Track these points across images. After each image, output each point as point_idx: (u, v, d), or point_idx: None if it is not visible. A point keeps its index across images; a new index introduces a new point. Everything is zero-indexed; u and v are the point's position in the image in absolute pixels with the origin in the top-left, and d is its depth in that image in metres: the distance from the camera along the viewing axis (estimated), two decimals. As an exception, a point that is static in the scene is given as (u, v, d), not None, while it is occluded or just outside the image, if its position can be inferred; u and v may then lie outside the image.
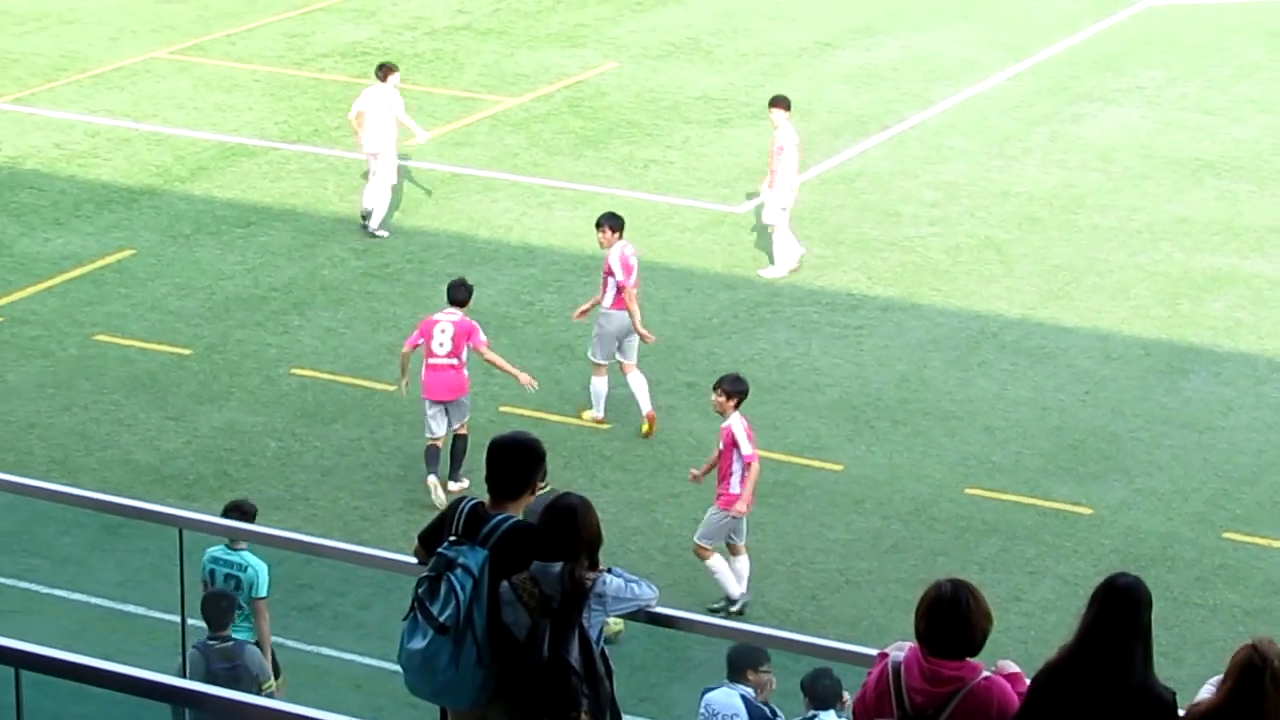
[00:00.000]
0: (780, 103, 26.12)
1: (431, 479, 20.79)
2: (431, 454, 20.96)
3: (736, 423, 18.92)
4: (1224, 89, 33.26)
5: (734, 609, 18.67)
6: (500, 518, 9.57)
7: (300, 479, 21.23)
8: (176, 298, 25.28)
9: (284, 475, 21.30)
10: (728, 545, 19.10)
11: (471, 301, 21.53)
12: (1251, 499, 21.17)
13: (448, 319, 21.09)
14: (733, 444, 18.89)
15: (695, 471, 19.41)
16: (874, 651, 9.26)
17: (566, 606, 9.38)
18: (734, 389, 19.14)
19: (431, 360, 20.90)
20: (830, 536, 20.32)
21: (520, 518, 9.65)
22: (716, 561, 18.98)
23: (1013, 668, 8.81)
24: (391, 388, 22.92)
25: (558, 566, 9.38)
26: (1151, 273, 26.33)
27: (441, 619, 9.43)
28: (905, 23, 36.44)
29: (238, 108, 31.57)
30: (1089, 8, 37.06)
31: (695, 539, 18.94)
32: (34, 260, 26.23)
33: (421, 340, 21.04)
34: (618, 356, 22.47)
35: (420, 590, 9.55)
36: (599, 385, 22.28)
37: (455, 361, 21.00)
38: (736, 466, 18.92)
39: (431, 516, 9.99)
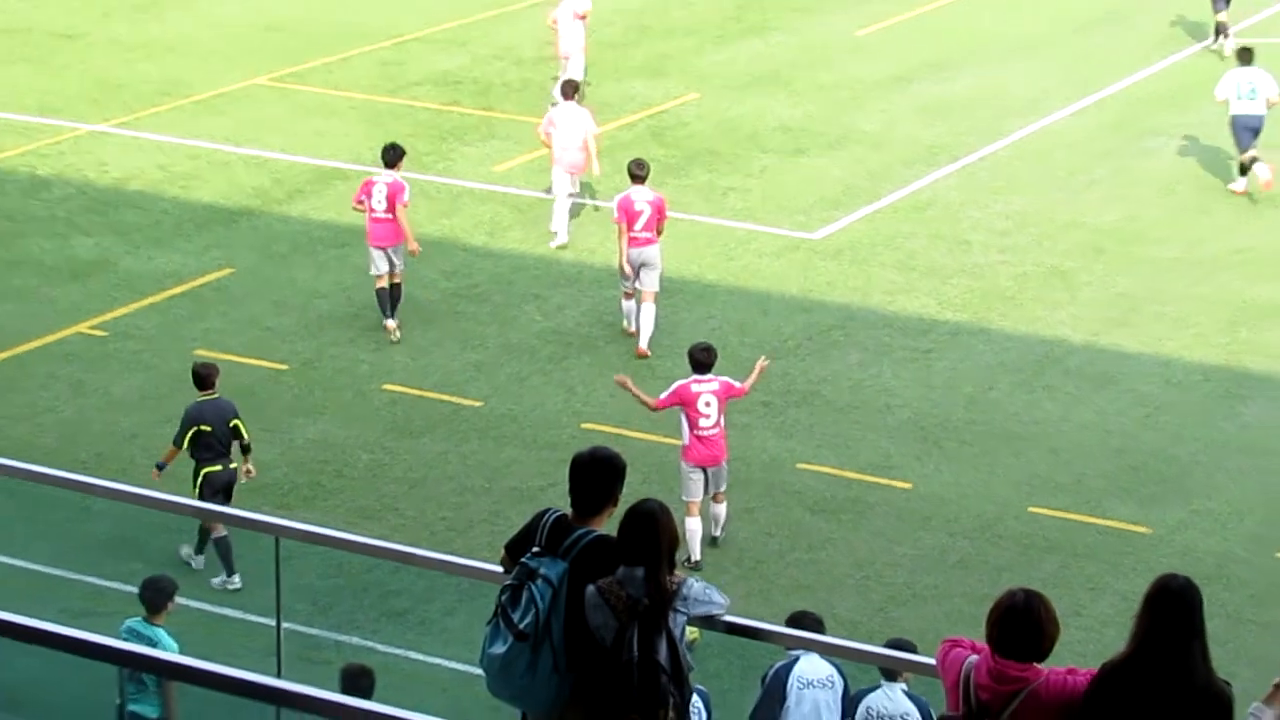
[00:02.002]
0: None
1: (390, 323, 24.66)
2: (380, 295, 24.73)
3: (696, 384, 19.94)
4: (1284, 124, 33.12)
5: (688, 564, 19.43)
6: (581, 531, 9.61)
7: (390, 490, 21.33)
8: (273, 315, 25.43)
9: (374, 486, 21.40)
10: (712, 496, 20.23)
11: (401, 165, 24.92)
12: (1307, 522, 21.14)
13: (383, 180, 24.66)
14: (682, 398, 19.99)
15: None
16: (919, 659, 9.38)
17: (654, 609, 9.43)
18: (702, 358, 20.12)
19: (373, 215, 24.47)
20: (899, 552, 20.32)
21: (601, 531, 9.70)
22: (693, 522, 19.80)
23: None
24: (479, 403, 23.06)
25: (642, 571, 9.44)
26: (1212, 302, 26.23)
27: (521, 626, 9.47)
28: (977, 58, 36.41)
29: (334, 133, 31.75)
30: (1155, 45, 36.96)
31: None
32: (137, 277, 26.43)
33: (364, 198, 24.69)
34: (638, 285, 24.39)
35: (503, 598, 9.59)
36: (626, 306, 24.73)
37: (390, 216, 24.48)
38: (685, 423, 19.91)
39: (517, 525, 10.03)
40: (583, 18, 33.25)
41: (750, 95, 34.16)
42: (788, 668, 14.29)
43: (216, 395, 19.71)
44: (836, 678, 14.26)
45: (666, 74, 35.27)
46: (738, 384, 20.20)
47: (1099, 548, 20.34)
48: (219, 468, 19.40)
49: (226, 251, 27.39)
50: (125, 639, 14.67)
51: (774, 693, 14.25)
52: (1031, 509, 21.13)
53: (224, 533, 19.01)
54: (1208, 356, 24.72)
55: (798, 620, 13.76)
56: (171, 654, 13.96)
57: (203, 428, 19.39)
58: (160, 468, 19.67)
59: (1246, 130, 29.87)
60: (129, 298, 25.78)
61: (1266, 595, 19.62)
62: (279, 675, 12.91)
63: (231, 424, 19.52)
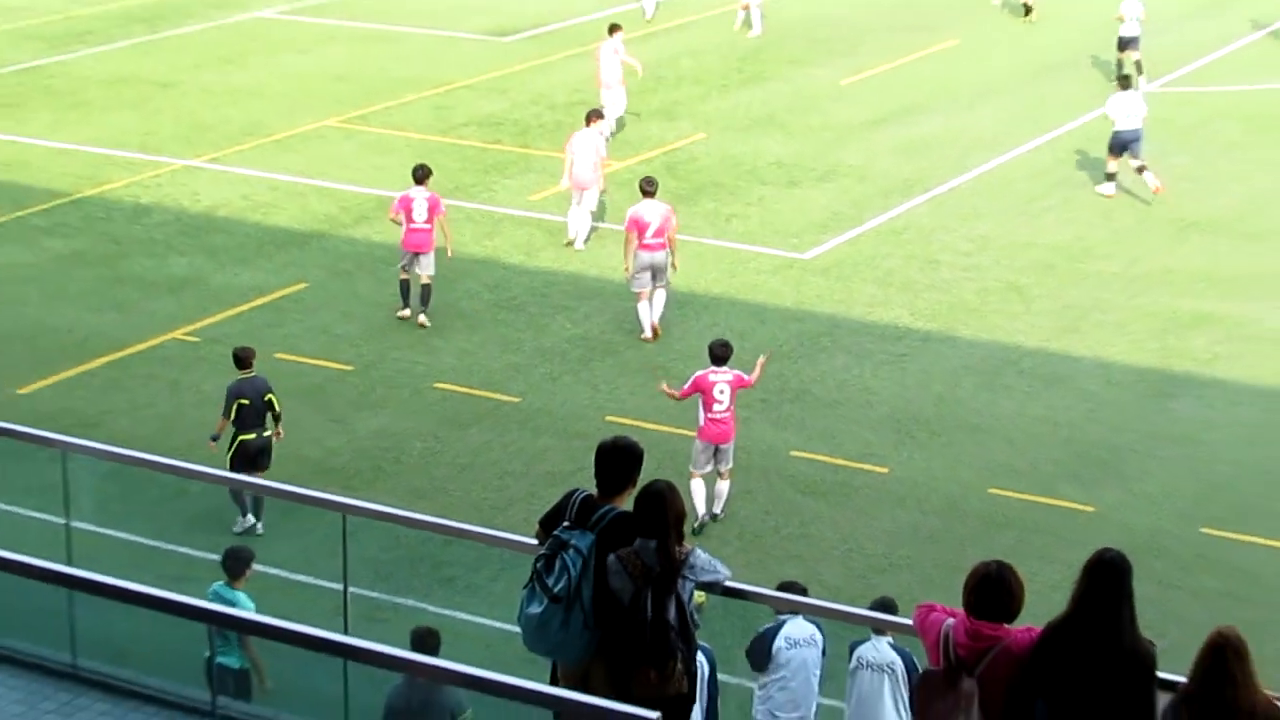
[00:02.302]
0: None
1: (404, 312, 25.35)
2: (403, 286, 25.36)
3: (713, 374, 20.14)
4: (1208, 162, 33.07)
5: (695, 526, 19.68)
6: (606, 508, 9.64)
7: (440, 474, 21.34)
8: (340, 323, 25.46)
9: (427, 471, 21.41)
10: (717, 472, 20.37)
11: (429, 181, 25.35)
12: (1226, 501, 21.05)
13: (421, 196, 25.12)
14: (699, 387, 20.17)
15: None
16: (909, 621, 9.38)
17: (665, 575, 9.46)
18: (721, 353, 20.29)
19: (412, 225, 25.04)
20: (878, 527, 20.32)
21: (623, 509, 9.72)
22: (695, 484, 20.11)
23: None
24: (517, 399, 23.07)
25: (654, 543, 9.46)
26: (1146, 313, 26.20)
27: (555, 590, 9.49)
28: (945, 103, 36.40)
29: (392, 167, 31.77)
30: (1098, 91, 36.89)
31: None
32: (225, 291, 26.48)
33: (402, 210, 25.20)
34: (651, 285, 24.87)
35: (539, 565, 9.62)
36: (641, 308, 24.73)
37: (429, 226, 25.04)
38: (700, 408, 20.15)
39: (550, 503, 10.04)
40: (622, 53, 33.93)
41: (750, 135, 34.18)
42: (775, 630, 14.35)
43: (254, 374, 20.23)
44: (818, 636, 14.36)
45: (678, 117, 35.29)
46: (746, 376, 20.36)
47: (1049, 523, 20.32)
48: (253, 435, 19.90)
49: (300, 269, 27.44)
50: (211, 600, 14.79)
51: (758, 648, 14.34)
52: (991, 490, 21.12)
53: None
54: (1142, 360, 24.69)
55: (786, 588, 13.78)
56: (251, 613, 14.00)
57: (242, 401, 19.88)
58: (215, 439, 20.02)
59: (1127, 143, 30.95)
60: (217, 308, 25.83)
61: (1193, 564, 19.61)
62: (345, 633, 12.95)
63: (266, 398, 20.04)
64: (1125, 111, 30.92)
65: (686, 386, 20.33)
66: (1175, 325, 25.80)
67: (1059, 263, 28.03)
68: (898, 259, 28.13)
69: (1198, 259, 28.31)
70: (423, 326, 25.15)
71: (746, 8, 41.51)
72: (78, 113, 34.93)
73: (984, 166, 32.53)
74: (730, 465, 20.36)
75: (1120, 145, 30.92)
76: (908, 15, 42.95)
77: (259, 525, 19.69)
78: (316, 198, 30.49)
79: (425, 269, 25.27)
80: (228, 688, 14.86)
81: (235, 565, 15.71)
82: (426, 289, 25.33)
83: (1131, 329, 25.64)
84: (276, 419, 20.09)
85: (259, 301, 26.15)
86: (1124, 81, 31.99)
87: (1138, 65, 37.13)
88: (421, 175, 25.51)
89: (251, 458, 19.82)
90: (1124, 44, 37.61)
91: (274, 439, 20.15)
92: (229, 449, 19.88)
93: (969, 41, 40.88)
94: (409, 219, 25.18)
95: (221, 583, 15.59)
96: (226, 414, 19.92)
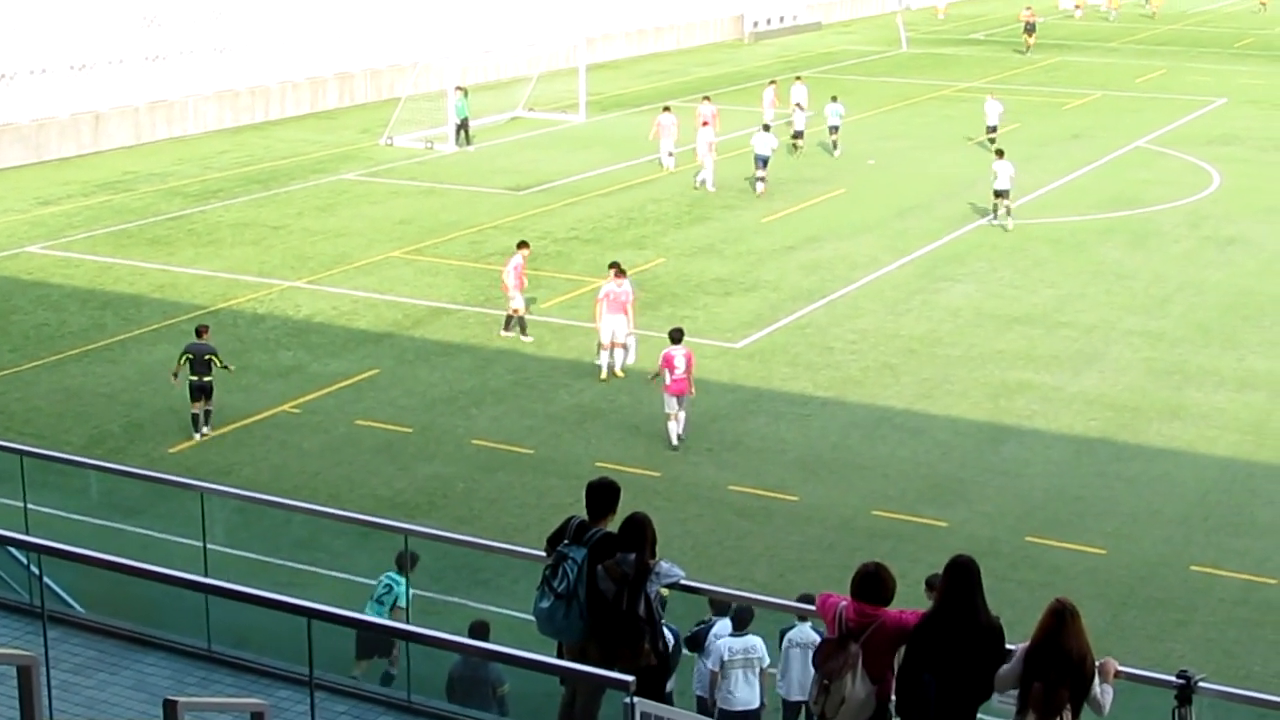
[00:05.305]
0: None
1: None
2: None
3: (671, 350, 22.98)
4: (1024, 273, 33.25)
5: (674, 446, 22.69)
6: (595, 530, 9.62)
7: (476, 506, 21.28)
8: (404, 398, 25.39)
9: (468, 504, 21.34)
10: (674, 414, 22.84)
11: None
12: (1042, 517, 21.10)
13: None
14: (667, 362, 22.97)
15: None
16: (812, 607, 9.32)
17: (637, 580, 9.42)
18: (672, 334, 23.31)
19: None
20: (791, 540, 20.28)
21: (607, 530, 9.66)
22: (670, 425, 22.89)
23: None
24: (531, 451, 22.97)
25: (632, 555, 9.40)
26: (982, 382, 26.26)
27: (559, 589, 9.47)
28: (836, 234, 36.53)
29: (440, 285, 31.81)
30: (946, 224, 37.11)
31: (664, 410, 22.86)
32: (319, 376, 26.41)
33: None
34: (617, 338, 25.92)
35: (546, 571, 9.60)
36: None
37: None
38: (666, 375, 23.00)
39: (554, 526, 9.97)
40: (706, 124, 34.34)
41: (696, 259, 34.24)
42: (707, 627, 14.04)
43: (205, 341, 23.42)
44: (760, 646, 14.01)
45: (645, 246, 35.36)
46: (689, 365, 22.97)
47: (915, 535, 20.32)
48: (196, 377, 23.18)
49: (375, 359, 27.36)
50: (386, 583, 15.00)
51: (697, 637, 13.95)
52: (873, 511, 21.11)
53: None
54: (980, 416, 24.74)
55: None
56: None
57: (189, 355, 23.19)
58: (176, 375, 23.47)
59: (1001, 194, 36.33)
60: (313, 389, 25.76)
61: (1020, 563, 19.60)
62: (408, 622, 12.85)
63: (207, 358, 23.11)
64: (1003, 171, 36.26)
65: (660, 362, 23.04)
66: (1003, 391, 25.86)
67: (918, 348, 28.09)
68: (803, 346, 28.18)
69: (1019, 343, 28.40)
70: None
71: (702, 166, 41.36)
72: (212, 248, 34.91)
73: (863, 280, 32.63)
74: (685, 412, 23.07)
75: (1000, 194, 36.39)
76: (808, 171, 43.18)
77: (202, 434, 23.08)
78: (386, 308, 30.43)
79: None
80: (370, 649, 14.89)
81: (402, 560, 15.55)
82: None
83: (972, 394, 25.69)
84: (224, 366, 23.46)
85: (345, 383, 26.08)
86: (999, 154, 36.83)
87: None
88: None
89: (195, 391, 23.21)
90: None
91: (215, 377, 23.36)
92: (188, 387, 23.31)
93: (852, 190, 41.06)
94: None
95: (392, 572, 15.56)
96: (178, 363, 23.26)
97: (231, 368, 24.21)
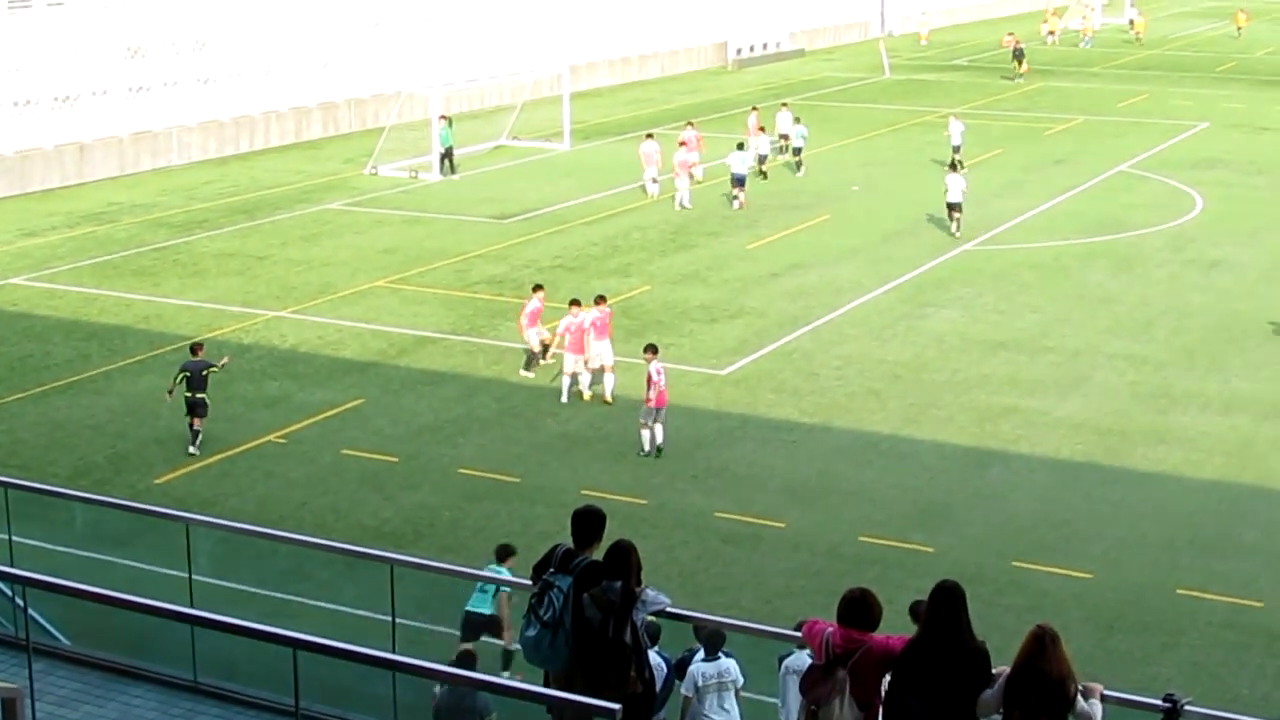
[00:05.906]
0: None
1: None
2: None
3: (652, 366, 23.91)
4: (1009, 298, 33.36)
5: (646, 451, 23.75)
6: (581, 558, 9.58)
7: (462, 535, 21.24)
8: (390, 427, 25.37)
9: (454, 533, 21.31)
10: (648, 423, 23.76)
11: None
12: (1028, 541, 21.13)
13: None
14: (650, 378, 23.74)
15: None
16: (799, 634, 9.33)
17: (623, 607, 9.38)
18: (651, 349, 24.32)
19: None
20: (779, 566, 20.27)
21: (593, 558, 9.65)
22: (645, 433, 23.81)
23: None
24: (518, 479, 22.95)
25: (618, 583, 9.38)
26: (968, 407, 26.32)
27: (545, 618, 9.42)
28: (821, 260, 36.65)
29: (425, 315, 31.82)
30: (929, 250, 37.25)
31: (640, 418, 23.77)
32: (305, 405, 26.38)
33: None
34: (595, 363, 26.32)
35: (532, 600, 9.55)
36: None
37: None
38: (652, 390, 23.80)
39: (539, 554, 9.98)
40: (683, 144, 35.42)
41: (681, 286, 34.31)
42: (690, 655, 13.92)
43: (200, 359, 24.15)
44: (734, 668, 13.84)
45: (630, 274, 35.42)
46: (664, 377, 23.95)
47: (902, 560, 20.33)
48: (192, 394, 23.84)
49: (360, 389, 27.35)
50: (489, 571, 15.78)
51: (680, 664, 13.82)
52: (860, 537, 21.11)
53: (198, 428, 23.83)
54: (965, 441, 24.79)
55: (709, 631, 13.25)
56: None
57: (186, 373, 23.85)
58: (171, 393, 24.20)
59: (952, 206, 38.03)
60: (299, 418, 25.73)
61: (1006, 588, 19.62)
62: (393, 651, 12.82)
63: (204, 373, 23.80)
64: (957, 185, 37.75)
65: (648, 373, 23.86)
66: (989, 416, 25.91)
67: (904, 373, 28.15)
68: (788, 373, 28.22)
69: (1004, 368, 28.47)
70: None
71: (677, 190, 41.76)
72: (197, 279, 34.89)
73: (848, 306, 32.71)
74: (663, 419, 23.85)
75: (953, 206, 37.75)
76: (793, 199, 43.33)
77: (195, 447, 23.68)
78: (371, 337, 30.42)
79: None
80: (478, 630, 16.10)
81: (503, 552, 16.47)
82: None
83: (958, 419, 25.74)
84: (221, 366, 24.40)
85: (330, 413, 26.04)
86: (954, 166, 38.84)
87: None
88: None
89: (191, 407, 23.80)
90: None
91: (221, 365, 24.61)
92: (185, 405, 23.84)
93: (836, 217, 41.20)
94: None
95: (493, 563, 16.25)
96: (174, 381, 23.92)
97: (226, 360, 25.34)
